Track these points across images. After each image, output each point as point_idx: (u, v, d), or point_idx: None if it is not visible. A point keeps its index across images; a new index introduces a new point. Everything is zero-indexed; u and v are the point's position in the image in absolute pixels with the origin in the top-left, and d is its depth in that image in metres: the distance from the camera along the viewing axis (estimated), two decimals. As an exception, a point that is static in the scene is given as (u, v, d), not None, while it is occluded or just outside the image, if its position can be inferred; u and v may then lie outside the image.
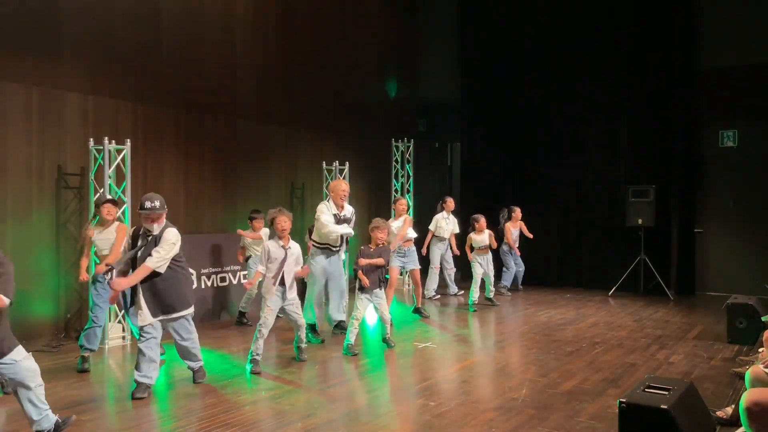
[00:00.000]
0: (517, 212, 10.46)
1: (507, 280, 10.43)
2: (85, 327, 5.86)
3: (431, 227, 9.55)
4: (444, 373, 5.86)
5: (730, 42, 10.27)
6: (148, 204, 4.99)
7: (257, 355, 5.72)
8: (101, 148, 6.77)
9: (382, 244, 6.55)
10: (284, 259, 5.77)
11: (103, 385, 5.55)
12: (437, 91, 12.95)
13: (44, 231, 6.89)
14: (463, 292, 10.13)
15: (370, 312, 7.30)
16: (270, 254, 5.77)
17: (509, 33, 11.84)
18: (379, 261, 6.42)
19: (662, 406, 3.51)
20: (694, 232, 10.57)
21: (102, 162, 6.79)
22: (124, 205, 6.83)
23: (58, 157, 6.99)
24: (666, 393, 3.74)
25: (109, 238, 5.95)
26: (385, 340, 6.66)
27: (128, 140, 6.92)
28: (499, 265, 10.13)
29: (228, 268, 8.28)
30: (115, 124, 7.46)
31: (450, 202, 9.62)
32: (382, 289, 6.56)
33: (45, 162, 6.89)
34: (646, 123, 10.69)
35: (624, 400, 3.68)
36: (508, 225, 10.42)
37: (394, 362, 6.31)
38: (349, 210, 6.99)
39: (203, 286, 7.98)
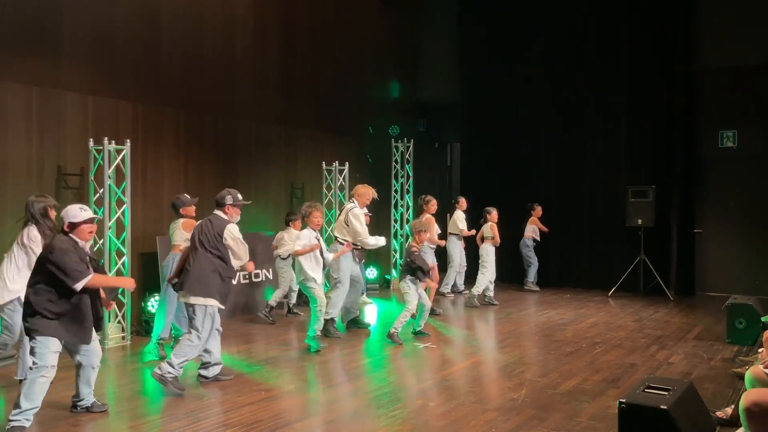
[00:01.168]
0: (538, 209, 10.80)
1: (532, 275, 10.75)
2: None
3: (462, 227, 9.79)
4: (444, 373, 5.86)
5: (730, 42, 10.27)
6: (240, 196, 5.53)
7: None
8: (101, 148, 6.77)
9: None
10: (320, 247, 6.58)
11: (103, 385, 5.54)
12: (437, 91, 12.94)
13: (44, 231, 6.87)
14: (453, 295, 10.21)
15: (370, 311, 7.36)
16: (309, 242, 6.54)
17: (509, 33, 11.84)
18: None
19: (662, 407, 3.51)
20: (693, 233, 10.56)
21: (102, 162, 6.78)
22: (124, 206, 6.82)
23: (58, 157, 6.98)
24: (666, 393, 3.74)
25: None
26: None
27: (128, 140, 6.92)
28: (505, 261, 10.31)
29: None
30: (115, 125, 7.45)
31: (464, 201, 10.01)
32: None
33: (45, 162, 6.88)
34: (645, 123, 10.69)
35: (624, 400, 3.68)
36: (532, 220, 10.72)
37: (395, 362, 6.31)
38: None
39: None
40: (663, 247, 10.40)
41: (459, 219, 9.86)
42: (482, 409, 4.72)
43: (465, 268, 10.28)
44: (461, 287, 10.36)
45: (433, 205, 8.63)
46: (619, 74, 10.89)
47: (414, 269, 7.02)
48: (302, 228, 6.85)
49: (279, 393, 5.15)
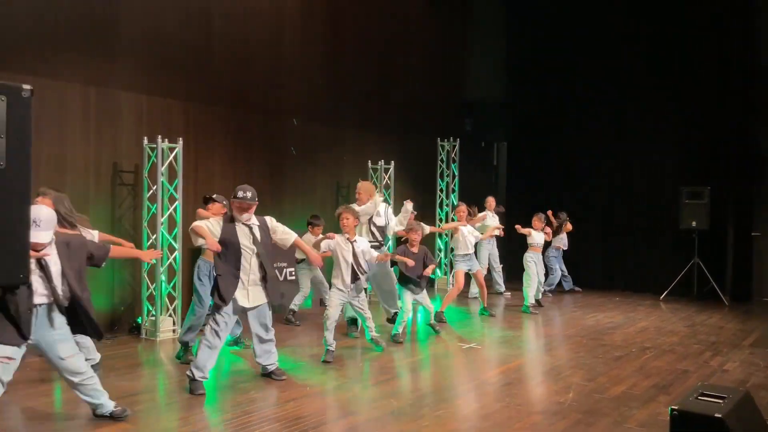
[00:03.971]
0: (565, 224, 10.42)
1: (552, 283, 10.42)
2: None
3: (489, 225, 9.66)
4: (488, 374, 5.81)
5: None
6: (240, 194, 5.17)
7: (330, 345, 6.03)
8: (155, 146, 6.96)
9: (417, 246, 7.04)
10: (353, 253, 6.13)
11: (155, 376, 5.71)
12: (484, 90, 12.82)
13: (100, 226, 7.06)
14: (510, 294, 10.08)
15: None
16: (338, 249, 6.11)
17: (558, 29, 11.64)
18: (409, 262, 6.77)
19: (716, 415, 3.40)
20: (751, 236, 10.17)
21: (155, 160, 6.98)
22: (176, 202, 7.00)
23: (114, 155, 7.22)
24: (720, 401, 3.61)
25: None
26: (430, 325, 7.33)
27: (180, 139, 7.10)
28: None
29: (275, 265, 8.39)
30: (168, 123, 7.65)
31: (492, 201, 9.83)
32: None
33: (101, 159, 7.12)
34: (700, 121, 10.35)
35: (676, 407, 3.57)
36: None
37: (439, 362, 6.30)
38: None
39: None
40: (718, 251, 10.06)
41: (487, 221, 9.65)
42: (527, 411, 4.66)
43: (501, 267, 10.10)
44: (502, 287, 10.21)
45: (461, 211, 8.37)
46: (672, 72, 10.58)
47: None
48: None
49: (323, 390, 5.19)
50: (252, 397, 4.92)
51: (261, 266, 5.20)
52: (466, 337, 7.24)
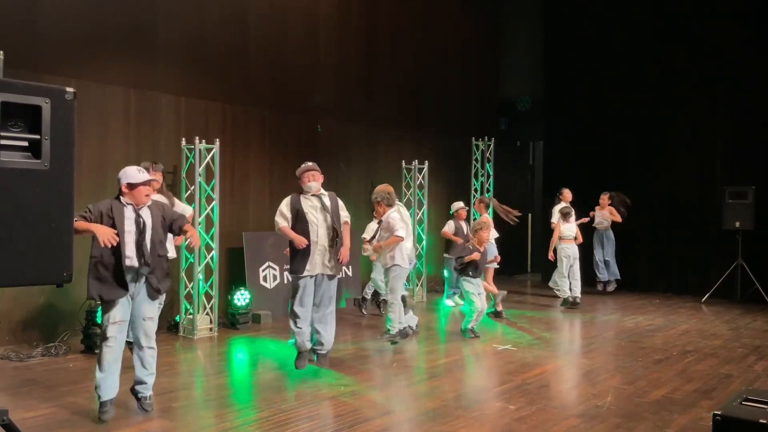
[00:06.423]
0: (603, 198, 10.27)
1: (613, 273, 10.30)
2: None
3: (554, 220, 9.53)
4: (525, 376, 5.74)
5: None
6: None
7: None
8: (192, 147, 7.08)
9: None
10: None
11: (192, 374, 5.80)
12: (519, 88, 12.69)
13: (140, 226, 7.27)
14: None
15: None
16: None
17: (596, 26, 11.43)
18: (476, 256, 7.07)
19: (761, 421, 3.29)
20: (799, 237, 9.83)
21: (193, 160, 7.09)
22: (213, 202, 7.10)
23: (153, 156, 7.34)
24: (765, 407, 3.50)
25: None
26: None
27: (217, 140, 7.20)
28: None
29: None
30: (205, 124, 7.78)
31: (567, 193, 9.69)
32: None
33: (141, 160, 7.22)
34: (744, 118, 10.04)
35: (719, 412, 3.47)
36: (598, 209, 10.30)
37: (474, 363, 6.25)
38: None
39: (286, 281, 8.18)
40: (764, 252, 9.74)
41: (554, 212, 9.64)
42: (564, 415, 4.59)
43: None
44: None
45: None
46: (716, 68, 10.28)
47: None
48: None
49: (359, 389, 5.20)
50: (287, 396, 4.96)
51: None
52: (501, 338, 7.17)
